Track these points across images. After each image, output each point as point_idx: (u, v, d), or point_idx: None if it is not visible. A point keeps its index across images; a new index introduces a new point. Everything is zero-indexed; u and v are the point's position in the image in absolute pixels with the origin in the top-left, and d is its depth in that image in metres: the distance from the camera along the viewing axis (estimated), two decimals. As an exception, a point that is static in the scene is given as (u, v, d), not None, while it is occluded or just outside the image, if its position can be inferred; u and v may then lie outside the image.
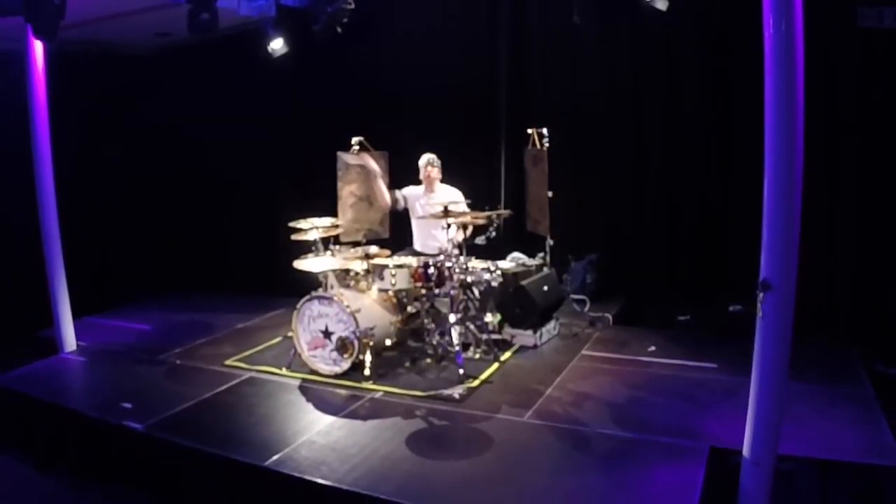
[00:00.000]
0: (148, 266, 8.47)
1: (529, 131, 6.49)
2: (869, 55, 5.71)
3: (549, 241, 6.45)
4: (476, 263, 5.76)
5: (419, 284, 5.32)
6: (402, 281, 5.28)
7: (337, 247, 5.71)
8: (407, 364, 5.44)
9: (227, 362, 5.70)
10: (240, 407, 4.82)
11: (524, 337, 5.80)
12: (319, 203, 6.02)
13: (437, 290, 5.36)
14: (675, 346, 5.66)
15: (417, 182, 6.24)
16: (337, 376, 5.19)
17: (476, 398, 4.80)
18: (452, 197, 5.92)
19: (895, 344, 5.53)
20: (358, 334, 5.08)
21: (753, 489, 3.58)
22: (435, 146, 6.31)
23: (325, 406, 4.78)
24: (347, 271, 5.62)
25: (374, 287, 5.43)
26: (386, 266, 5.30)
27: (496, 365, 5.37)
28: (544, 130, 6.36)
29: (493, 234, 6.01)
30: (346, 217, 6.04)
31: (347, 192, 6.06)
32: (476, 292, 5.70)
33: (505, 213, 6.43)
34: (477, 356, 5.49)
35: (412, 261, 5.39)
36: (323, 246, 5.61)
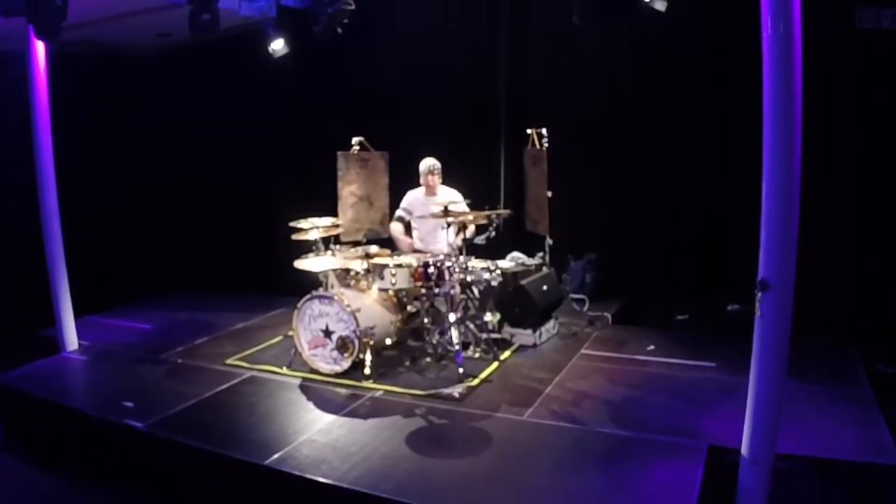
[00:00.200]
0: (149, 266, 8.49)
1: (529, 131, 6.50)
2: (867, 56, 5.72)
3: (549, 241, 6.45)
4: (476, 263, 5.78)
5: (419, 284, 5.34)
6: (402, 280, 5.30)
7: (337, 246, 5.73)
8: (407, 363, 5.46)
9: (228, 361, 5.72)
10: (241, 406, 4.84)
11: (523, 336, 5.82)
12: (319, 203, 6.04)
13: (436, 290, 5.37)
14: (674, 345, 5.67)
15: (416, 183, 6.25)
16: (337, 375, 5.21)
17: (476, 397, 4.82)
18: (452, 198, 5.93)
19: (894, 344, 5.55)
20: (358, 333, 5.10)
21: (752, 488, 3.60)
22: (435, 146, 6.33)
23: (325, 405, 4.79)
24: (348, 271, 5.63)
25: (375, 286, 5.45)
26: (386, 265, 5.32)
27: (496, 364, 5.38)
28: (544, 130, 6.36)
29: (493, 233, 6.03)
30: (346, 217, 6.04)
31: (348, 192, 6.06)
32: (476, 292, 5.72)
33: (504, 212, 6.45)
34: (476, 355, 5.51)
35: (412, 260, 5.41)
36: (323, 245, 5.62)
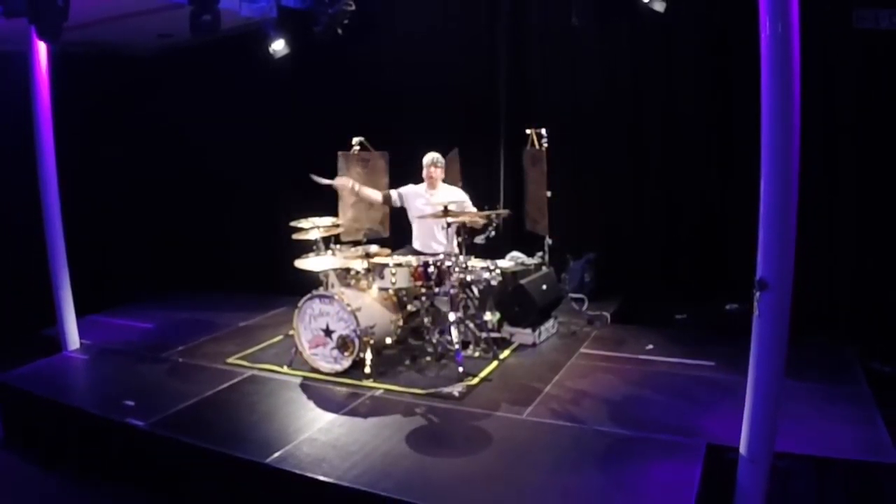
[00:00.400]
0: (150, 265, 8.51)
1: (528, 131, 6.53)
2: (865, 56, 5.74)
3: (548, 241, 6.48)
4: (475, 262, 5.79)
5: (419, 283, 5.35)
6: (402, 280, 5.32)
7: (337, 246, 5.74)
8: (407, 362, 5.48)
9: (229, 360, 5.74)
10: (241, 405, 4.86)
11: (523, 335, 5.84)
12: (320, 203, 6.05)
13: (436, 289, 5.38)
14: (673, 344, 5.68)
15: (417, 181, 6.27)
16: (338, 374, 5.23)
17: (475, 396, 4.84)
18: (455, 197, 5.93)
19: (893, 343, 5.56)
20: (358, 333, 5.11)
21: (750, 486, 3.61)
22: (435, 146, 6.33)
23: (325, 404, 4.81)
24: (348, 270, 5.65)
25: (375, 286, 5.46)
26: (386, 265, 5.33)
27: (495, 363, 5.40)
28: (543, 130, 6.40)
29: (493, 233, 6.04)
30: (346, 216, 6.07)
31: (348, 192, 6.09)
32: (475, 291, 5.73)
33: (504, 212, 6.46)
34: (476, 354, 5.53)
35: (412, 260, 5.42)
36: (324, 245, 5.64)
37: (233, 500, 4.17)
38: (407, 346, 5.74)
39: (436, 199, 5.84)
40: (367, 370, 5.14)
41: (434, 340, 5.49)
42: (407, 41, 7.42)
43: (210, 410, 4.79)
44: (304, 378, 5.28)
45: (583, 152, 7.13)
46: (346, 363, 5.20)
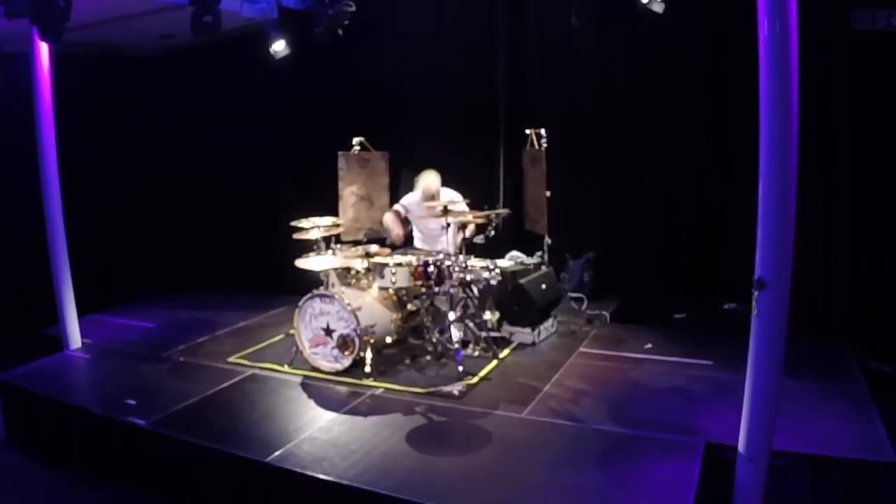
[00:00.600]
0: (151, 265, 8.53)
1: (528, 132, 6.54)
2: (863, 57, 5.76)
3: (548, 240, 6.49)
4: (475, 262, 5.81)
5: (419, 283, 5.37)
6: (402, 279, 5.33)
7: (338, 245, 5.76)
8: (407, 361, 5.50)
9: (230, 359, 5.75)
10: (242, 403, 4.88)
11: (522, 334, 5.86)
12: (320, 202, 6.07)
13: (436, 289, 5.40)
14: (672, 343, 5.71)
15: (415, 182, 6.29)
16: (338, 373, 5.25)
17: (475, 395, 4.85)
18: (451, 198, 5.95)
19: (891, 342, 5.58)
20: (359, 332, 5.13)
21: (748, 484, 3.63)
22: (434, 146, 6.36)
23: (326, 403, 4.83)
24: (348, 270, 5.66)
25: (375, 285, 5.48)
26: (386, 264, 5.34)
27: (495, 362, 5.42)
28: (542, 131, 6.41)
29: (492, 233, 6.07)
30: (346, 216, 6.09)
31: (349, 191, 6.11)
32: (475, 290, 5.75)
33: (503, 212, 6.48)
34: (476, 353, 5.55)
35: (412, 259, 5.44)
36: (324, 245, 5.66)
37: (234, 498, 4.19)
38: (407, 346, 5.75)
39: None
40: (368, 369, 5.16)
41: (434, 340, 5.51)
42: (407, 42, 7.43)
43: (211, 409, 4.80)
44: (305, 377, 5.30)
45: (582, 152, 7.14)
46: (347, 362, 5.22)
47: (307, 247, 5.66)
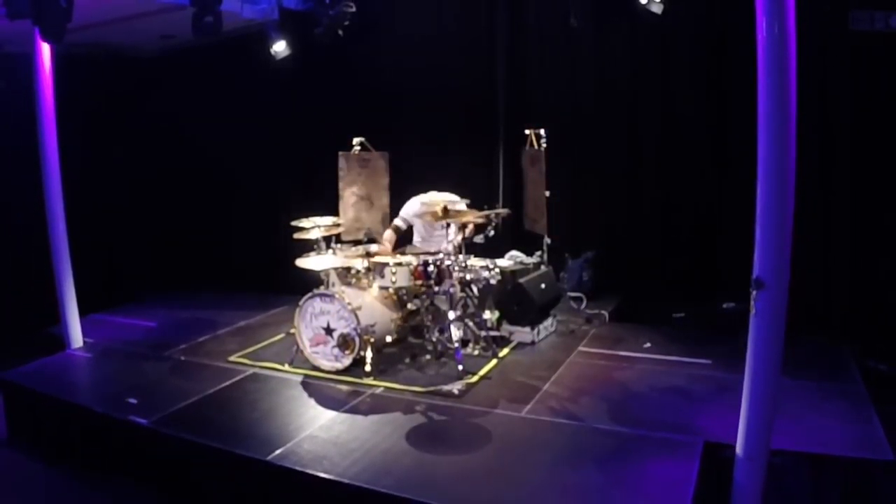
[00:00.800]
0: (152, 264, 8.54)
1: (527, 132, 6.55)
2: (861, 57, 5.77)
3: (547, 240, 6.51)
4: (475, 261, 5.82)
5: (419, 282, 5.39)
6: (402, 279, 5.35)
7: (338, 245, 5.78)
8: (407, 360, 5.52)
9: (231, 358, 5.77)
10: (243, 402, 4.89)
11: (522, 334, 5.87)
12: (320, 202, 6.09)
13: (436, 288, 5.42)
14: (670, 342, 5.73)
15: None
16: (338, 372, 5.26)
17: (475, 394, 4.87)
18: (448, 199, 5.96)
19: (889, 341, 5.60)
20: (359, 331, 5.15)
21: (747, 483, 3.64)
22: (434, 146, 6.38)
23: (326, 401, 4.85)
24: (349, 269, 5.67)
25: (375, 285, 5.49)
26: (386, 264, 5.36)
27: (494, 361, 5.44)
28: (542, 131, 6.42)
29: (492, 232, 6.08)
30: (347, 216, 6.10)
31: (349, 192, 6.12)
32: (475, 290, 5.76)
33: (503, 212, 6.50)
34: (476, 353, 5.57)
35: (412, 259, 5.46)
36: (325, 244, 5.68)
37: (234, 496, 4.20)
38: (407, 345, 5.77)
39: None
40: (368, 368, 5.18)
41: (434, 339, 5.53)
42: (407, 42, 7.45)
43: (212, 408, 4.82)
44: (305, 376, 5.32)
45: (581, 152, 7.16)
46: (347, 361, 5.24)
47: (307, 246, 5.67)
